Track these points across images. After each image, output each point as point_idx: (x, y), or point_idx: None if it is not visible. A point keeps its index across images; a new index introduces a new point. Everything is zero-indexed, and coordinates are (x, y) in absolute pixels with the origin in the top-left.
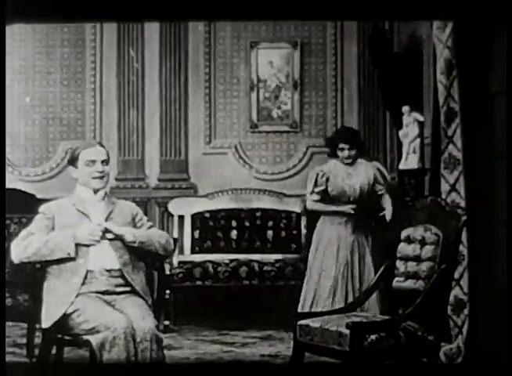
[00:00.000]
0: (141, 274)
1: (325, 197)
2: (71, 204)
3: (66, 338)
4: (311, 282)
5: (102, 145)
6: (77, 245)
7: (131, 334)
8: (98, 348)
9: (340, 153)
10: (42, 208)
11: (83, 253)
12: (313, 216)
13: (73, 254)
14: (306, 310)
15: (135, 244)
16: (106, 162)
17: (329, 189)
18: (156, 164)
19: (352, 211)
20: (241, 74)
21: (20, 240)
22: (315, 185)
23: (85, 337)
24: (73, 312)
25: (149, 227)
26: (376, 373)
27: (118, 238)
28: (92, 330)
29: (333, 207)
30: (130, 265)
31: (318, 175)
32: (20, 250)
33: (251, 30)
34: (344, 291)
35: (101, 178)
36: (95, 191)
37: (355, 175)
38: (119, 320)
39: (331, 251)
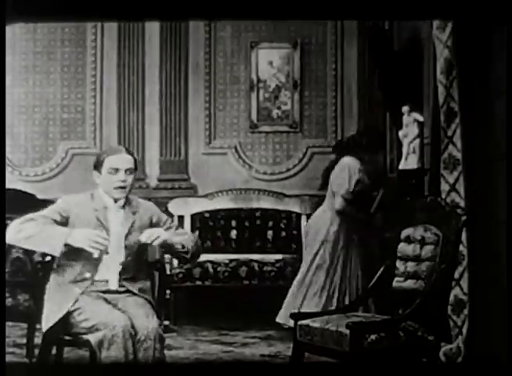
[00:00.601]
0: (146, 283)
1: (360, 192)
2: (92, 209)
3: (66, 338)
4: (337, 280)
5: (129, 152)
6: (80, 251)
7: (129, 332)
8: (97, 347)
9: (364, 155)
10: (62, 202)
11: (89, 268)
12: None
13: (57, 254)
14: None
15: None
16: (130, 171)
17: (364, 186)
18: (156, 164)
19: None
20: (241, 74)
21: (18, 224)
22: (356, 183)
23: (85, 336)
24: (75, 310)
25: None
26: (376, 373)
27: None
28: (92, 329)
29: (362, 216)
30: (135, 280)
31: (360, 171)
32: (13, 232)
33: (251, 30)
34: (350, 291)
35: (122, 188)
36: (115, 201)
37: (363, 172)
38: (118, 319)
39: (347, 251)
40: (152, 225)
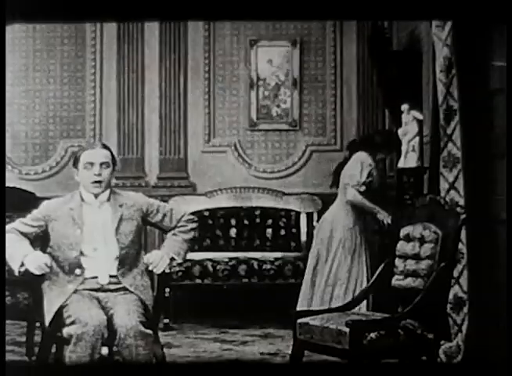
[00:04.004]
0: (143, 277)
1: (371, 184)
2: (68, 208)
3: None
4: (354, 275)
5: (105, 146)
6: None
7: (101, 332)
8: (67, 338)
9: (378, 154)
10: (43, 207)
11: (77, 264)
12: None
13: (16, 273)
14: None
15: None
16: (106, 165)
17: (375, 179)
18: (156, 162)
19: (390, 222)
20: (240, 73)
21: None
22: (368, 176)
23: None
24: (64, 307)
25: (170, 218)
26: (375, 371)
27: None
28: (70, 325)
29: (376, 208)
30: (130, 274)
31: (370, 165)
32: None
33: (251, 29)
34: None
35: (99, 182)
36: (96, 196)
37: (374, 168)
38: (93, 316)
39: (353, 250)
40: (144, 216)
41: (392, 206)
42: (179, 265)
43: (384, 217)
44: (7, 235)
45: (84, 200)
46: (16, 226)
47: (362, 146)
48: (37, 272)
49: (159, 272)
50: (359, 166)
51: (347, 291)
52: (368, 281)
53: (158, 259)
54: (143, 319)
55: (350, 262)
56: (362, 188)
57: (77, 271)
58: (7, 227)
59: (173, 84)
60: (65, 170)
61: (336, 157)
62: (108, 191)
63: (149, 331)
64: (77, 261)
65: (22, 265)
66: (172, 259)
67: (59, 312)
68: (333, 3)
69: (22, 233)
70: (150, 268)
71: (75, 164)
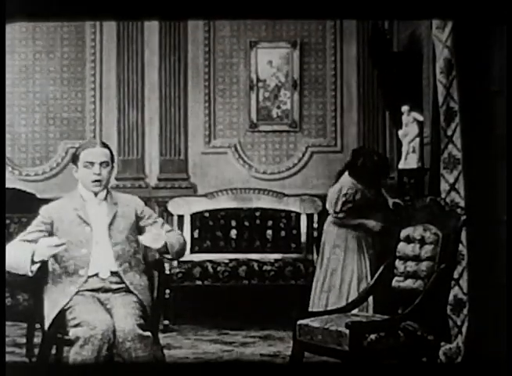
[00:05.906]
0: (142, 277)
1: (352, 209)
2: (72, 208)
3: (66, 337)
4: (352, 283)
5: (105, 145)
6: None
7: (108, 337)
8: (72, 340)
9: (366, 180)
10: (43, 212)
11: (82, 264)
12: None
13: (30, 274)
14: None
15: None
16: (106, 164)
17: (359, 202)
18: (156, 163)
19: (380, 229)
20: (241, 74)
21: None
22: (344, 204)
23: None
24: (67, 309)
25: (161, 225)
26: (375, 372)
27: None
28: (77, 327)
29: (362, 221)
30: (130, 272)
31: (346, 195)
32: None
33: (251, 30)
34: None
35: (98, 181)
36: (96, 194)
37: (359, 191)
38: (101, 320)
39: (356, 252)
40: (137, 217)
41: (392, 207)
42: (179, 266)
43: (374, 226)
44: (11, 248)
45: (84, 198)
46: (21, 237)
47: (351, 169)
48: (53, 252)
49: (154, 246)
50: (336, 195)
51: (340, 297)
52: (363, 284)
53: (152, 236)
54: (141, 322)
55: (341, 267)
56: (341, 215)
57: (82, 272)
58: (13, 242)
59: (173, 86)
60: (65, 171)
61: (336, 158)
62: (105, 192)
63: (148, 334)
64: (85, 259)
65: (33, 262)
66: (168, 249)
67: (61, 314)
68: (333, 3)
69: (30, 242)
70: (146, 243)
71: (74, 162)
